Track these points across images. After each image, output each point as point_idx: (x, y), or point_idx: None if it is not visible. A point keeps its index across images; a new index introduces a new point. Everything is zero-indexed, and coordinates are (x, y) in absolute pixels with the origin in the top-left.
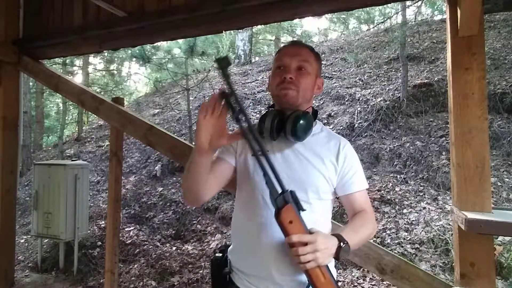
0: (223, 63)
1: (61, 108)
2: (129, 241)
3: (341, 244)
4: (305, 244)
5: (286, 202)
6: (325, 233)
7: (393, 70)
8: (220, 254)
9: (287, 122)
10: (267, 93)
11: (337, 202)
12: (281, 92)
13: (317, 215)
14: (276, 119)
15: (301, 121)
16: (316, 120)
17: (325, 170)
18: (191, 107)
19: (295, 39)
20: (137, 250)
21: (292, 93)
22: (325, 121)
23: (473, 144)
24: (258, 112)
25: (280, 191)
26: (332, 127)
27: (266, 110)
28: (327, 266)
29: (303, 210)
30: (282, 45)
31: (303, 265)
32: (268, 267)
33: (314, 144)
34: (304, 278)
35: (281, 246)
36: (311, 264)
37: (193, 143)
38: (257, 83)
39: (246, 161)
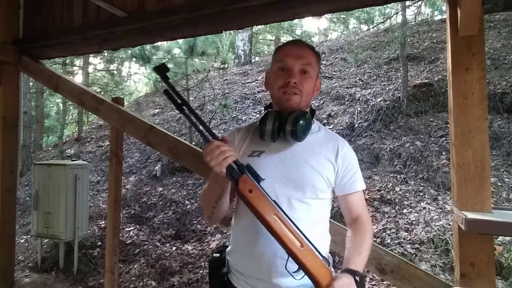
0: (161, 71)
1: (61, 108)
2: (129, 241)
3: (356, 277)
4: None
5: (242, 174)
6: (339, 277)
7: (393, 70)
8: (218, 255)
9: (286, 124)
10: (267, 93)
11: (337, 202)
12: (284, 96)
13: (315, 214)
14: (277, 121)
15: (301, 122)
16: (314, 119)
17: (323, 168)
18: None
19: (296, 38)
20: (137, 250)
21: (296, 98)
22: (325, 121)
23: (473, 144)
24: (258, 112)
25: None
26: (332, 127)
27: (265, 112)
28: None
29: (262, 180)
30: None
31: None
32: (266, 269)
33: (312, 143)
34: (303, 280)
35: (278, 249)
36: None
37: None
38: (257, 83)
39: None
